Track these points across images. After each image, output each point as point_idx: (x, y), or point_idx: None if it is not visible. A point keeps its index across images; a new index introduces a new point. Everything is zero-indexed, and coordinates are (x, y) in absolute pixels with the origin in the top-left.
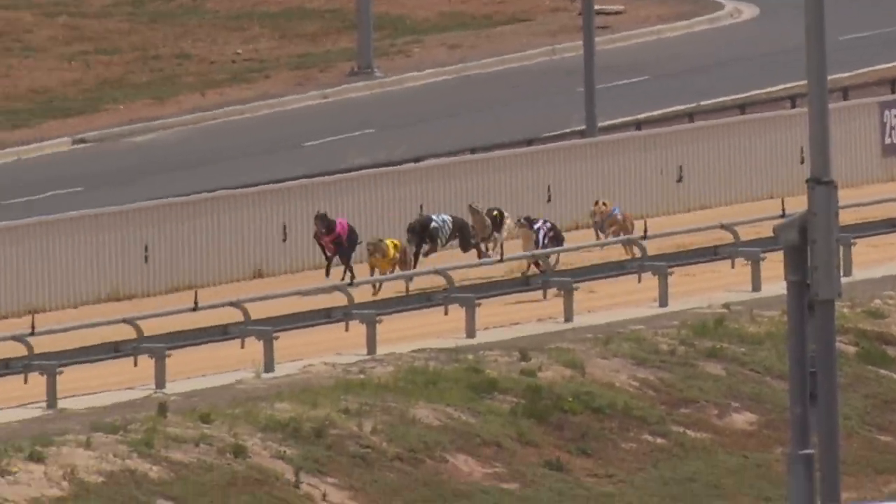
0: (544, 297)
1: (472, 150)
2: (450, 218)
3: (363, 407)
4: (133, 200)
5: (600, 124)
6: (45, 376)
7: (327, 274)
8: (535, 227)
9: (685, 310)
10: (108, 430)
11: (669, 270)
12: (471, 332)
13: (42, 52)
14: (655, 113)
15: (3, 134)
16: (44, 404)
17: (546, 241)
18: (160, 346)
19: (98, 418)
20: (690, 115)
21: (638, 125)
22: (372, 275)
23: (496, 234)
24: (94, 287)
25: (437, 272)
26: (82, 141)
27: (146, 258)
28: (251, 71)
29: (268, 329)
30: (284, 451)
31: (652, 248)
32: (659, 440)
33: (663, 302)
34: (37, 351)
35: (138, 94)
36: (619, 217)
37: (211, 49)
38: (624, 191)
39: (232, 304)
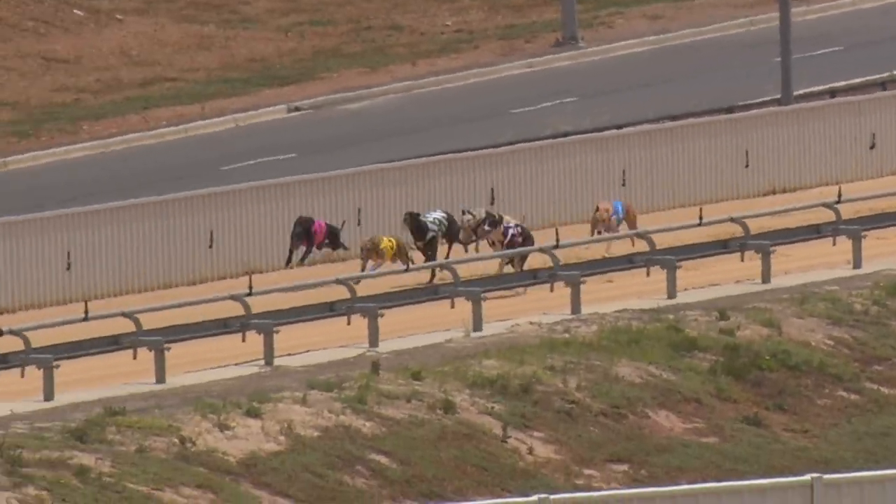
0: (742, 259)
1: (673, 118)
2: (443, 214)
3: (568, 364)
4: (346, 166)
5: (795, 93)
6: (262, 335)
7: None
8: (505, 226)
9: (878, 271)
10: (323, 388)
11: (863, 234)
12: (671, 293)
13: (259, 24)
14: (849, 82)
15: (221, 101)
16: (261, 362)
17: (513, 240)
18: (372, 306)
19: (313, 376)
20: (883, 84)
21: (832, 93)
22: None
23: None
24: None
25: (639, 235)
26: (297, 109)
27: (359, 221)
28: (460, 41)
29: (476, 290)
30: (492, 407)
31: (847, 212)
32: (853, 396)
33: (857, 264)
34: (254, 311)
35: (351, 64)
36: (619, 217)
37: (421, 20)
38: (818, 157)
39: (441, 265)
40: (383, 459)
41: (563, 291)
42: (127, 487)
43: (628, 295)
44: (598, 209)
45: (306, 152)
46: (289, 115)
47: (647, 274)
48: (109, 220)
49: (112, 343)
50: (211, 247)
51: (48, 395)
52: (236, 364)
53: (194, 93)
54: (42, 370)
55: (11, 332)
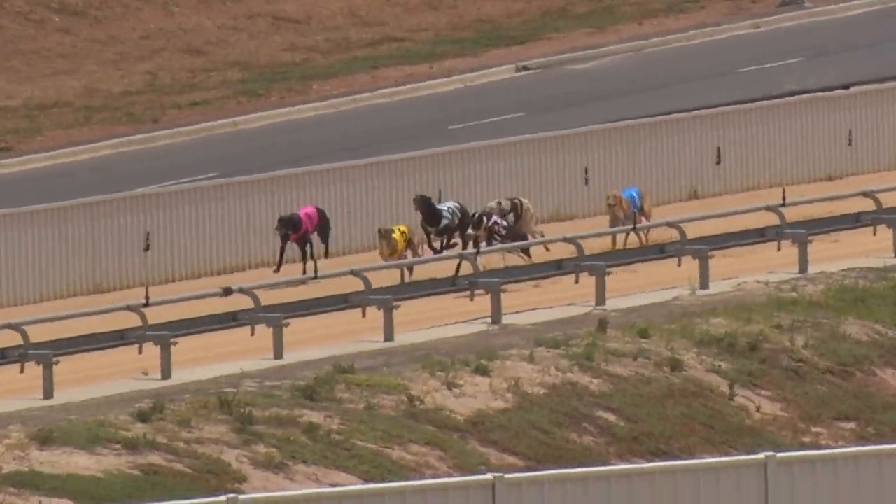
0: None
1: None
2: (456, 204)
3: (795, 323)
4: (573, 126)
5: None
6: (489, 295)
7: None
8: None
9: None
10: (550, 345)
11: None
12: None
13: None
14: None
15: (449, 62)
16: (489, 320)
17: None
18: (600, 265)
19: (540, 333)
20: None
21: None
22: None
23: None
24: (539, 208)
25: (865, 194)
26: (525, 69)
27: (586, 181)
28: (686, 1)
29: (703, 248)
30: (719, 365)
31: None
32: None
33: None
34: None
35: (578, 24)
36: (636, 205)
37: None
38: None
39: (668, 224)
40: (610, 417)
41: (789, 250)
42: (356, 445)
43: (855, 254)
44: (608, 196)
45: (533, 112)
46: (516, 75)
47: (874, 233)
48: (338, 179)
49: (341, 301)
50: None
51: (278, 354)
52: (464, 322)
53: (422, 53)
54: (272, 329)
55: (241, 291)
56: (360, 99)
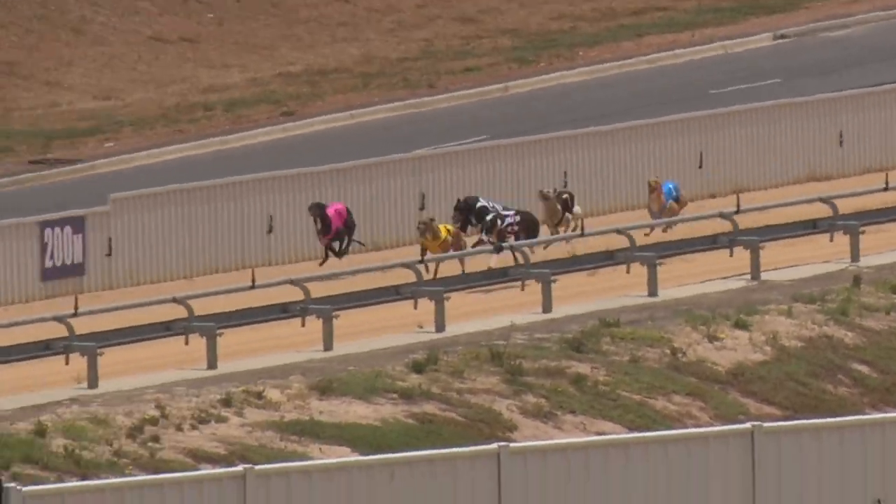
0: None
1: None
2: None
3: None
4: (827, 91)
5: None
6: (748, 251)
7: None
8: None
9: None
10: (807, 300)
11: None
12: None
13: None
14: None
15: (710, 29)
16: (748, 277)
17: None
18: (853, 224)
19: (798, 289)
20: None
21: None
22: (423, 257)
23: (568, 215)
24: (792, 169)
25: None
26: (782, 36)
27: (841, 142)
28: None
29: None
30: None
31: None
32: None
33: None
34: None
35: None
36: (673, 197)
37: None
38: None
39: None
40: (864, 369)
41: None
42: (620, 395)
43: None
44: (653, 190)
45: (790, 78)
46: (774, 43)
47: None
48: (605, 142)
49: (607, 258)
50: (701, 167)
51: (546, 308)
52: (723, 278)
53: (685, 21)
54: (541, 284)
55: (511, 249)
56: (625, 65)
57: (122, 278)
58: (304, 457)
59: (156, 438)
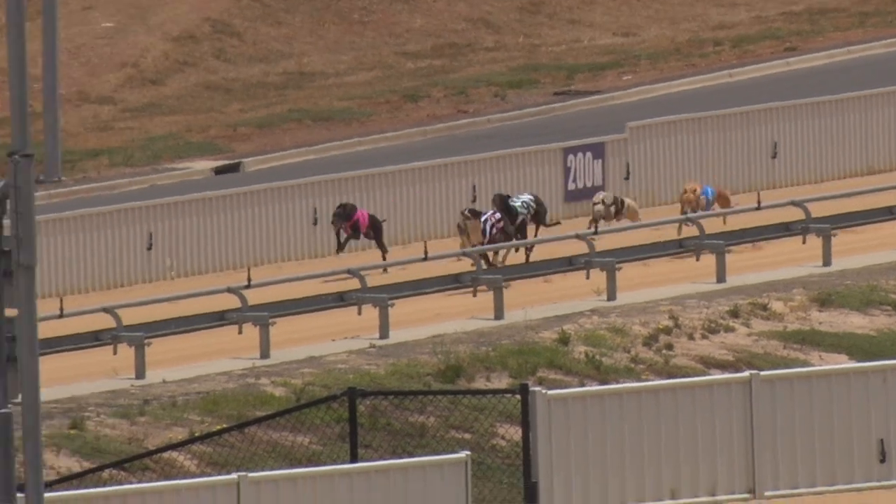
0: None
1: None
2: (530, 197)
3: None
4: None
5: None
6: None
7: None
8: (482, 218)
9: None
10: None
11: None
12: None
13: None
14: None
15: None
16: None
17: (494, 233)
18: None
19: None
20: None
21: None
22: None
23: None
24: None
25: None
26: None
27: None
28: None
29: None
30: None
31: None
32: None
33: None
34: None
35: None
36: (708, 199)
37: None
38: None
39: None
40: None
41: None
42: None
43: None
44: (685, 191)
45: None
46: None
47: None
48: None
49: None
50: None
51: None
52: None
53: None
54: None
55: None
56: None
57: (640, 199)
58: (804, 364)
59: (669, 346)
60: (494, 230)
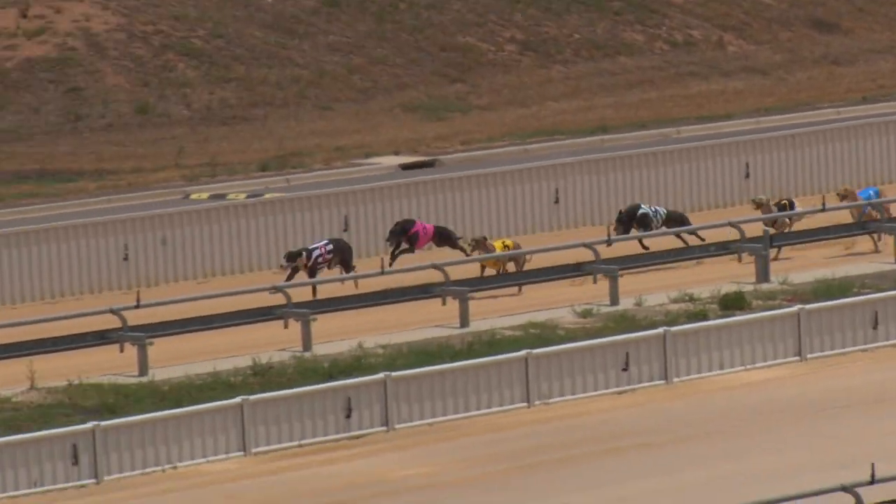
0: None
1: None
2: (663, 209)
3: None
4: None
5: None
6: None
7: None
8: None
9: None
10: None
11: None
12: None
13: None
14: None
15: None
16: None
17: (320, 261)
18: None
19: None
20: None
21: None
22: (482, 273)
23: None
24: None
25: None
26: None
27: None
28: None
29: None
30: None
31: None
32: None
33: None
34: None
35: None
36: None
37: None
38: None
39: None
40: None
41: None
42: None
43: None
44: (845, 196)
45: None
46: None
47: None
48: None
49: None
50: None
51: None
52: None
53: None
54: None
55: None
56: None
57: None
58: None
59: None
60: (321, 259)
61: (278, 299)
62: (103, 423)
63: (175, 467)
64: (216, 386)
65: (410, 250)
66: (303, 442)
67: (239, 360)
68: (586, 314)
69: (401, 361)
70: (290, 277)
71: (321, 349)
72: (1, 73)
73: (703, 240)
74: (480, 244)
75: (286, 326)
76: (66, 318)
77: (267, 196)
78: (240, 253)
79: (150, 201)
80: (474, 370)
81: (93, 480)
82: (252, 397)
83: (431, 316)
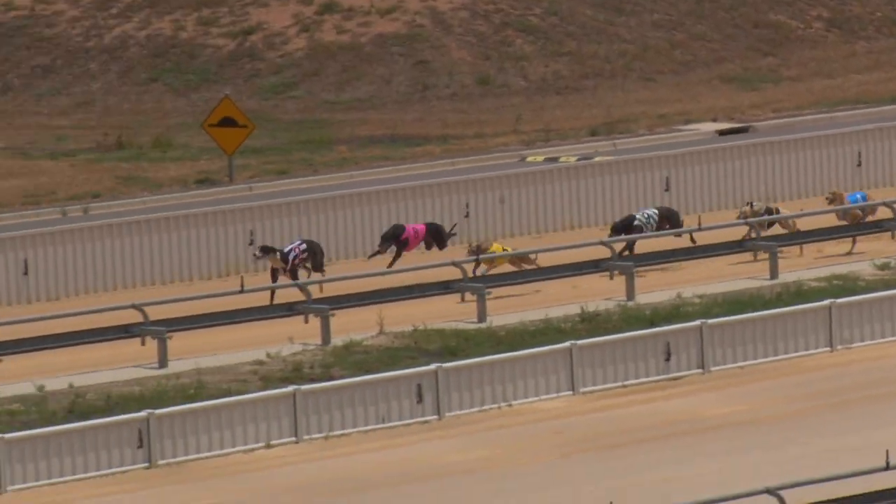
0: None
1: None
2: (655, 211)
3: None
4: None
5: None
6: None
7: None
8: (287, 249)
9: None
10: None
11: None
12: None
13: None
14: None
15: None
16: None
17: (296, 262)
18: None
19: None
20: None
21: None
22: (482, 272)
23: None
24: None
25: None
26: None
27: None
28: None
29: None
30: None
31: None
32: None
33: None
34: None
35: None
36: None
37: None
38: None
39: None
40: None
41: None
42: None
43: None
44: (833, 199)
45: None
46: None
47: None
48: None
49: None
50: None
51: None
52: None
53: None
54: None
55: None
56: None
57: None
58: None
59: None
60: (297, 260)
61: (602, 251)
62: (445, 364)
63: (510, 405)
64: (547, 331)
65: (398, 253)
66: (626, 383)
67: (569, 307)
68: (884, 267)
69: (716, 310)
70: (274, 278)
71: (643, 298)
72: (356, 48)
73: None
74: (480, 250)
75: (611, 278)
76: (413, 269)
77: (596, 159)
78: (570, 211)
79: (490, 164)
80: (782, 318)
81: (435, 417)
82: (580, 342)
83: (743, 269)
